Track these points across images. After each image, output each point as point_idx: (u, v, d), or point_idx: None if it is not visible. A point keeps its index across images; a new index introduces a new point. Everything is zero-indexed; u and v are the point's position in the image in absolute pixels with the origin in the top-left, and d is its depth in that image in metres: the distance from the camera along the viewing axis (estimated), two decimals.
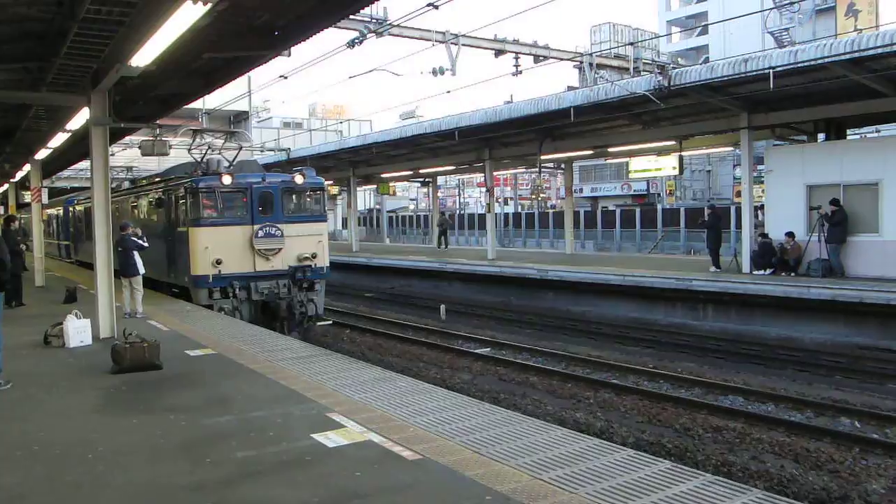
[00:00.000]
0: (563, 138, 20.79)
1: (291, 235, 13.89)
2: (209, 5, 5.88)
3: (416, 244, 40.63)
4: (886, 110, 14.32)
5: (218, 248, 13.29)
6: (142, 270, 11.93)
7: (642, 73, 22.45)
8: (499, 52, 19.88)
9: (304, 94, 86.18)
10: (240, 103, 34.48)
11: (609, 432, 8.64)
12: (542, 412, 9.46)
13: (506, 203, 57.38)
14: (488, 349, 13.79)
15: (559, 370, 11.81)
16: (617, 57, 26.00)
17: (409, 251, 30.02)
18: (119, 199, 19.00)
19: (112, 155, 15.15)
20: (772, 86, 12.88)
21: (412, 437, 5.28)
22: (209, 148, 15.98)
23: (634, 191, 46.43)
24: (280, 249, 13.77)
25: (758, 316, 14.63)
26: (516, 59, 20.30)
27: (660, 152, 19.69)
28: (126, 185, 25.56)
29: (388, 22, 16.88)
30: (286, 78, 19.10)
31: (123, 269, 11.67)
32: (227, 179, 13.43)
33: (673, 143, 18.55)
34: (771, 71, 12.75)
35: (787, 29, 39.03)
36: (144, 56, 7.51)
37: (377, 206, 51.71)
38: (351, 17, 14.57)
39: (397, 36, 17.81)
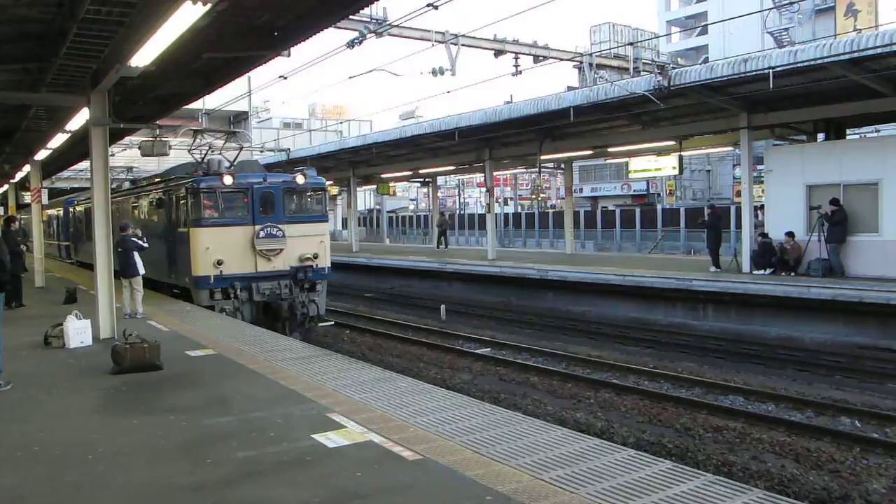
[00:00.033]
0: (563, 138, 20.79)
1: (293, 236, 13.85)
2: (209, 5, 5.88)
3: (416, 244, 40.63)
4: (886, 110, 14.32)
5: (219, 248, 13.25)
6: (142, 271, 11.93)
7: (642, 74, 22.45)
8: (498, 53, 19.89)
9: (303, 95, 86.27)
10: (240, 103, 34.45)
11: (609, 432, 8.64)
12: (542, 412, 9.46)
13: (506, 203, 57.40)
14: (488, 349, 13.78)
15: (559, 370, 11.81)
16: (617, 57, 26.00)
17: (409, 251, 30.02)
18: (120, 199, 19.00)
19: (112, 155, 15.16)
20: (771, 86, 12.89)
21: (412, 437, 5.28)
22: (210, 148, 15.96)
23: (634, 191, 46.44)
24: (281, 250, 13.73)
25: (758, 316, 14.63)
26: (516, 59, 20.31)
27: (659, 152, 19.69)
28: (126, 185, 25.55)
29: (388, 22, 16.88)
30: (286, 78, 19.10)
31: (123, 270, 11.67)
32: (228, 180, 13.39)
33: (673, 143, 18.55)
34: (770, 71, 12.75)
35: (786, 29, 39.04)
36: (144, 56, 7.51)
37: (377, 207, 51.70)
38: (351, 17, 14.57)
39: (397, 36, 17.82)
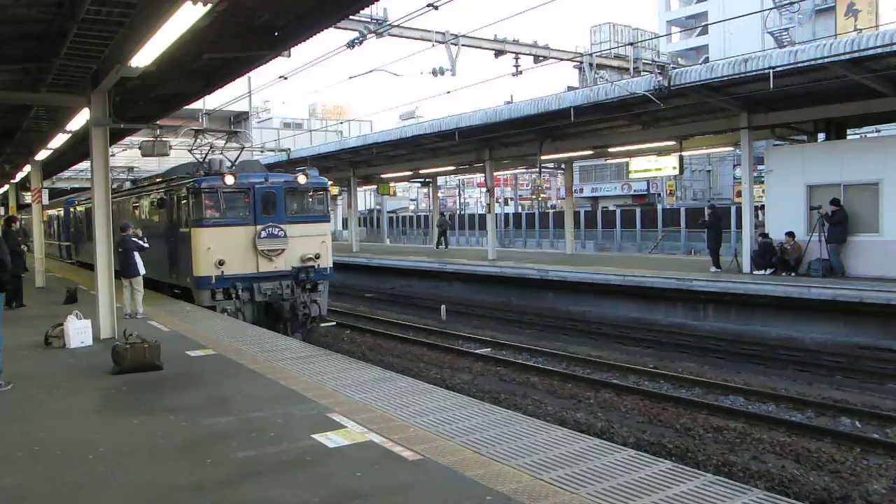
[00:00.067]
0: (563, 138, 20.79)
1: (295, 236, 13.83)
2: (209, 6, 5.88)
3: (417, 244, 40.64)
4: (886, 110, 14.31)
5: (220, 248, 13.23)
6: (142, 271, 11.92)
7: (642, 74, 22.45)
8: (499, 53, 19.89)
9: (304, 95, 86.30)
10: (240, 104, 34.46)
11: (610, 432, 8.64)
12: (542, 412, 9.46)
13: (506, 203, 57.39)
14: (489, 349, 13.78)
15: (559, 370, 11.81)
16: (617, 57, 26.01)
17: (409, 251, 30.03)
18: (120, 199, 19.00)
19: (112, 155, 15.14)
20: (772, 86, 12.88)
21: (412, 437, 5.28)
22: (211, 148, 15.95)
23: (635, 191, 46.42)
24: (283, 250, 13.71)
25: (758, 316, 14.63)
26: (516, 59, 20.31)
27: (660, 152, 19.69)
28: (128, 185, 25.57)
29: (388, 22, 16.89)
30: (286, 78, 19.11)
31: (124, 270, 11.67)
32: (229, 180, 13.35)
33: (673, 143, 18.55)
34: (771, 71, 12.74)
35: (786, 29, 39.05)
36: (144, 57, 7.51)
37: (377, 207, 51.72)
38: (351, 17, 14.57)
39: (397, 36, 17.82)
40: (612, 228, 36.25)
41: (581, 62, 23.20)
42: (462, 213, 55.07)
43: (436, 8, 13.90)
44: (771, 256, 15.46)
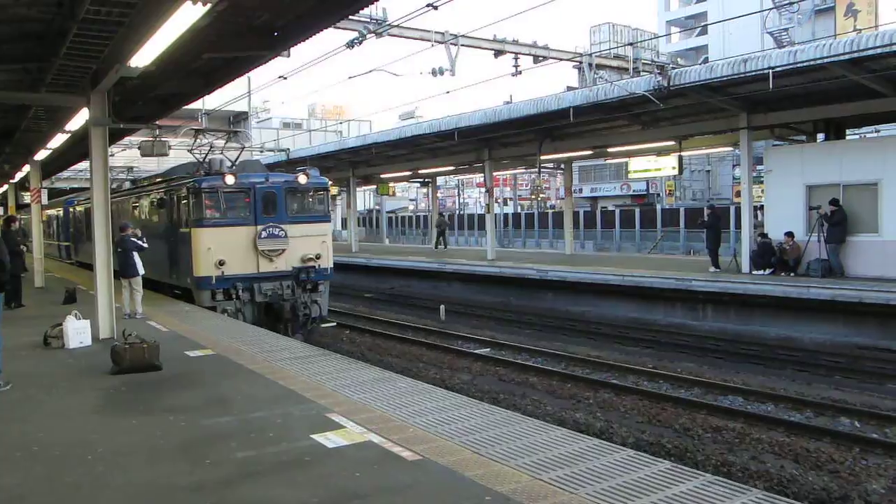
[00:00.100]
0: (563, 138, 20.79)
1: (295, 236, 13.80)
2: (209, 5, 5.88)
3: (416, 245, 40.63)
4: (886, 110, 14.31)
5: (221, 249, 13.19)
6: (141, 271, 11.92)
7: (642, 74, 22.46)
8: (498, 53, 19.91)
9: (303, 95, 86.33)
10: (239, 104, 34.48)
11: (609, 432, 8.64)
12: (541, 412, 9.47)
13: (505, 203, 57.42)
14: (488, 349, 13.78)
15: (559, 370, 11.81)
16: (616, 57, 26.03)
17: (408, 252, 30.03)
18: (120, 199, 18.98)
19: (112, 155, 15.18)
20: (771, 86, 12.89)
21: (412, 437, 5.28)
22: (211, 148, 15.94)
23: (634, 191, 46.44)
24: (284, 250, 13.69)
25: (757, 316, 14.64)
26: (516, 59, 20.33)
27: (659, 152, 19.68)
28: (127, 185, 25.56)
29: (388, 22, 16.90)
30: (286, 78, 19.13)
31: (123, 270, 11.66)
32: (230, 179, 13.32)
33: (672, 143, 18.55)
34: (770, 71, 12.75)
35: (786, 29, 39.07)
36: (144, 56, 7.51)
37: (377, 207, 51.69)
38: (350, 17, 14.59)
39: (397, 36, 17.84)
40: (611, 228, 36.27)
41: (580, 62, 23.22)
42: (461, 213, 55.06)
43: (435, 8, 13.91)
44: (770, 256, 15.46)
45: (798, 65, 12.55)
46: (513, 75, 20.43)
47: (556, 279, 18.56)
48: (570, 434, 5.47)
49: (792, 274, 14.95)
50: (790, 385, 10.74)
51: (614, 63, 25.35)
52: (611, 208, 42.07)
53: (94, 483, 4.62)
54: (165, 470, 4.80)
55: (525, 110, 18.06)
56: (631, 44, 27.25)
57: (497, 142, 22.55)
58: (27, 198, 26.03)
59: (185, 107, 14.87)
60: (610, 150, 21.06)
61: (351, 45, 16.58)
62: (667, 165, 20.32)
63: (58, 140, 14.11)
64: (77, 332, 9.41)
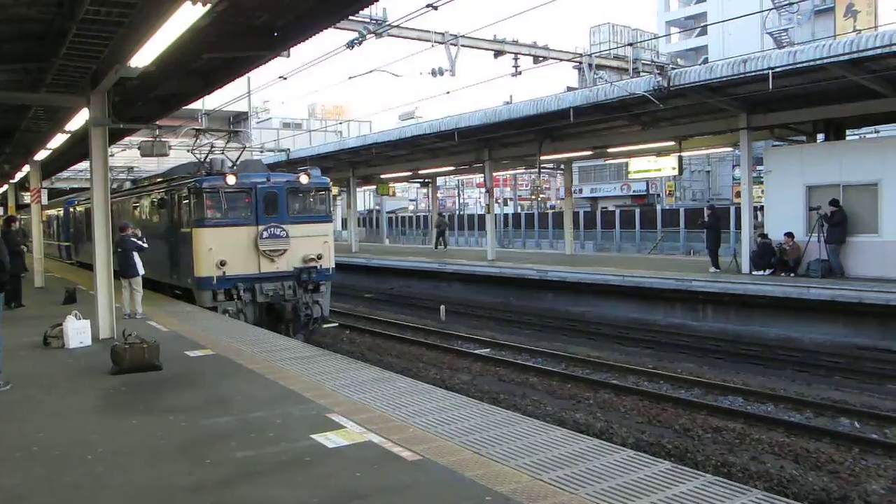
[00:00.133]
0: (563, 139, 20.79)
1: (297, 236, 13.77)
2: (209, 6, 5.88)
3: (416, 245, 40.63)
4: (885, 111, 14.31)
5: (222, 249, 13.15)
6: (141, 271, 11.92)
7: (641, 74, 22.46)
8: (498, 53, 19.91)
9: (303, 95, 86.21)
10: (239, 104, 34.50)
11: (609, 433, 8.64)
12: (541, 413, 9.46)
13: (505, 204, 57.43)
14: (488, 350, 13.78)
15: (559, 371, 11.81)
16: (616, 58, 26.04)
17: (408, 252, 30.03)
18: (121, 199, 18.97)
19: (112, 156, 15.18)
20: (771, 86, 12.88)
21: (412, 437, 5.28)
22: (211, 148, 15.94)
23: (634, 191, 46.44)
24: (285, 250, 13.65)
25: (757, 316, 14.63)
26: (516, 59, 20.33)
27: (659, 153, 19.70)
28: (128, 185, 25.55)
29: (388, 23, 16.90)
30: (286, 79, 19.14)
31: (123, 270, 11.65)
32: (231, 179, 13.27)
33: (672, 143, 18.55)
34: (770, 72, 12.75)
35: (786, 30, 39.10)
36: (144, 57, 7.51)
37: (377, 207, 51.67)
38: (350, 17, 14.59)
39: (397, 37, 17.84)
40: (611, 229, 36.26)
41: (580, 63, 23.23)
42: (461, 213, 55.07)
43: (435, 8, 13.92)
44: (770, 257, 15.46)
45: (798, 65, 12.55)
46: (513, 76, 20.45)
47: (556, 279, 18.56)
48: (570, 434, 5.47)
49: (792, 274, 14.95)
50: (790, 385, 10.74)
51: (614, 63, 25.36)
52: (611, 209, 42.08)
53: (93, 483, 4.62)
54: (165, 470, 4.80)
55: (525, 111, 18.06)
56: (631, 44, 27.26)
57: (497, 142, 22.56)
58: (27, 198, 26.03)
59: (185, 107, 14.88)
60: (610, 150, 21.06)
61: (351, 45, 16.59)
62: (667, 166, 20.35)
63: (58, 140, 14.11)
64: (77, 332, 9.41)
